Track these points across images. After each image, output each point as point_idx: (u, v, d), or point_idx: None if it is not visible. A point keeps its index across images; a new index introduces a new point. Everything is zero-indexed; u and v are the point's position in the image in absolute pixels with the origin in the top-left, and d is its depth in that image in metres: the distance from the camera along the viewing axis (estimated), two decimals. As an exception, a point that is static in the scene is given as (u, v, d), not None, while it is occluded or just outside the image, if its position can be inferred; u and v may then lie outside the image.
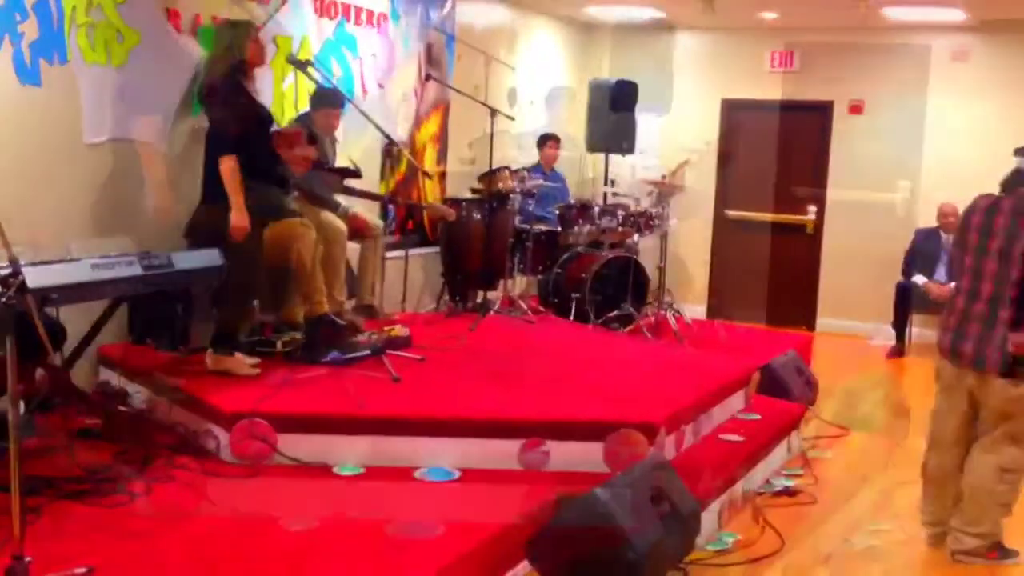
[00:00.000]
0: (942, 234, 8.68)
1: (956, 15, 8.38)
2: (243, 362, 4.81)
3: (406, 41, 7.60)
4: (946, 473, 4.31)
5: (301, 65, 5.52)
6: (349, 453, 4.16)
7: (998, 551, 4.21)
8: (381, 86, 7.38)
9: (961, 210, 8.07)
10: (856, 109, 9.45)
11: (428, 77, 7.51)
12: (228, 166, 4.72)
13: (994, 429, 4.13)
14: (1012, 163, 9.18)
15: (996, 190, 9.34)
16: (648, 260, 8.13)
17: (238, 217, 4.70)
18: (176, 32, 5.52)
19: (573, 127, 9.69)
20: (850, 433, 6.04)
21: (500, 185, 7.06)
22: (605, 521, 3.43)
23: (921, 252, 8.66)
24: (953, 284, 4.41)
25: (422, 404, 4.48)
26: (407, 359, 5.19)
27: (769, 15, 8.99)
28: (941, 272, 8.65)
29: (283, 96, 6.34)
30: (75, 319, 4.30)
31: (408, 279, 7.20)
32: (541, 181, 7.68)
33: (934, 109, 9.15)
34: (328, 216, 5.76)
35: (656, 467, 3.88)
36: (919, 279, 8.57)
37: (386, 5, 7.35)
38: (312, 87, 5.99)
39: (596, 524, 3.43)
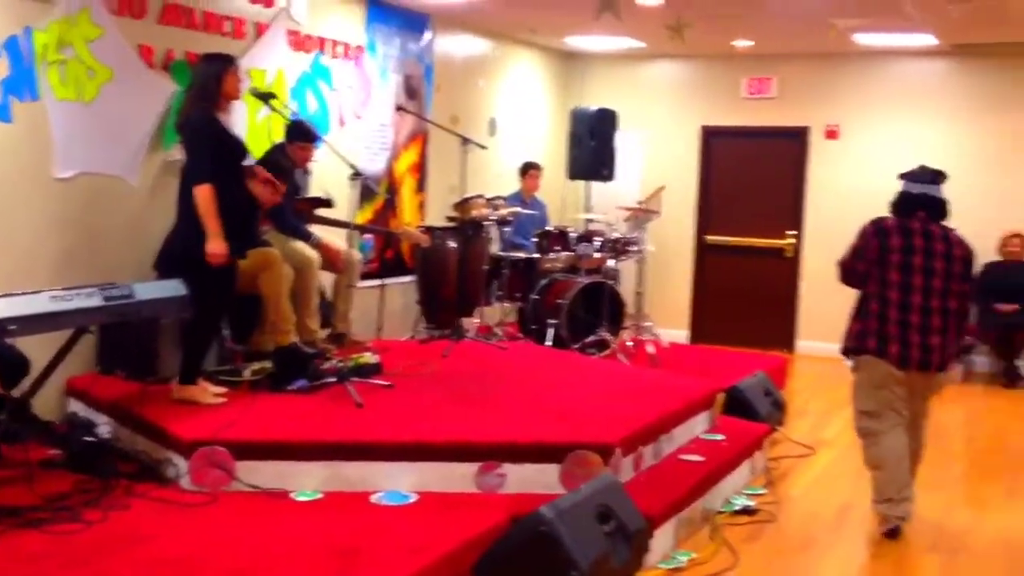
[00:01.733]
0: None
1: (928, 40, 8.50)
2: (208, 391, 4.89)
3: (384, 72, 7.74)
4: (900, 454, 4.77)
5: (264, 97, 5.63)
6: (307, 479, 4.23)
7: None
8: (358, 117, 7.51)
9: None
10: (832, 134, 9.57)
11: (400, 109, 7.63)
12: (204, 194, 4.79)
13: (925, 408, 4.88)
14: (983, 184, 9.37)
15: (974, 213, 9.54)
16: (628, 285, 8.23)
17: (215, 244, 4.77)
18: (148, 68, 5.66)
19: (555, 155, 9.82)
20: (816, 452, 6.11)
21: (474, 213, 7.16)
22: (548, 540, 3.49)
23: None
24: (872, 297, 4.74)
25: (382, 429, 4.55)
26: (375, 385, 5.27)
27: (743, 43, 9.12)
28: (916, 293, 8.71)
29: (258, 128, 6.47)
30: (42, 351, 4.38)
31: (386, 307, 7.30)
32: (517, 208, 7.78)
33: (908, 133, 9.27)
34: (299, 246, 5.86)
35: (604, 486, 3.95)
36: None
37: (363, 38, 7.50)
38: (287, 119, 6.11)
39: (539, 544, 3.50)
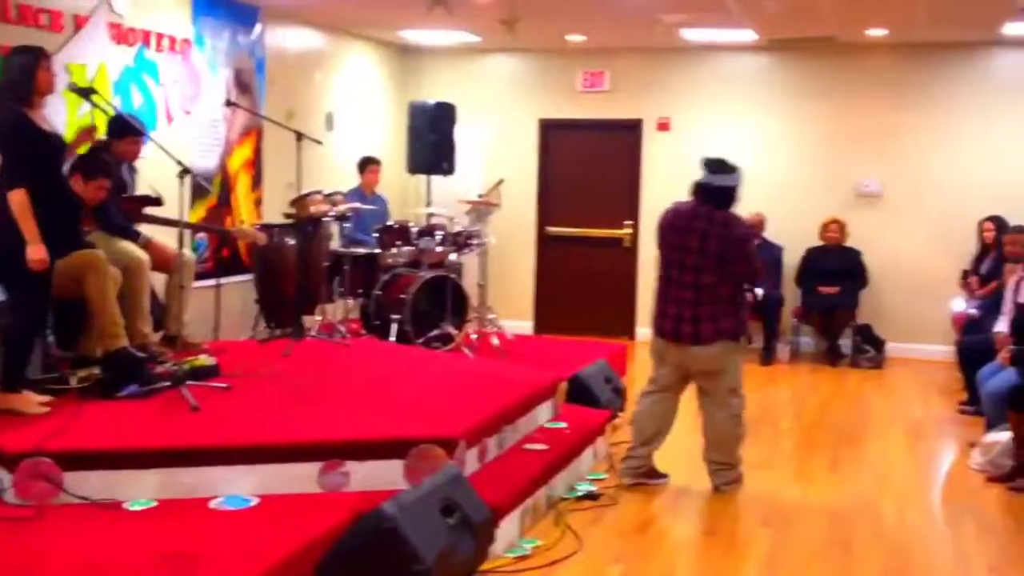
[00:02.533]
0: (746, 242, 9.14)
1: (749, 35, 8.86)
2: (32, 400, 4.65)
3: (213, 67, 7.53)
4: (649, 418, 5.32)
5: (83, 93, 5.39)
6: (141, 487, 4.07)
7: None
8: (187, 113, 7.29)
9: (766, 219, 8.68)
10: (664, 126, 9.87)
11: (229, 103, 7.44)
12: (18, 199, 4.57)
13: (711, 386, 5.20)
14: (804, 172, 9.83)
15: (796, 200, 9.98)
16: (471, 278, 8.27)
17: (35, 250, 4.56)
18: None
19: (394, 149, 9.77)
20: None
21: (312, 209, 7.05)
22: (391, 536, 3.48)
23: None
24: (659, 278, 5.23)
25: (219, 432, 4.43)
26: (212, 388, 5.12)
27: (576, 38, 9.29)
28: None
29: (79, 125, 6.19)
30: None
31: (223, 307, 7.11)
32: (357, 204, 7.70)
33: (734, 124, 9.64)
34: (127, 246, 5.64)
35: (447, 479, 3.96)
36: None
37: (190, 31, 7.28)
38: (110, 114, 5.87)
39: (382, 540, 3.48)
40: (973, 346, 7.13)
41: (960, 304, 8.34)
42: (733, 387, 5.23)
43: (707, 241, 4.98)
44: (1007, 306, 6.72)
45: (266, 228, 7.11)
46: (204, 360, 5.47)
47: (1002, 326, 6.62)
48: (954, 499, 5.46)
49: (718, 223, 5.01)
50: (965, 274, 8.60)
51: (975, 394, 6.72)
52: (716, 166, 5.09)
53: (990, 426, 6.00)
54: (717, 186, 5.06)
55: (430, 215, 8.37)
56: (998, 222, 8.30)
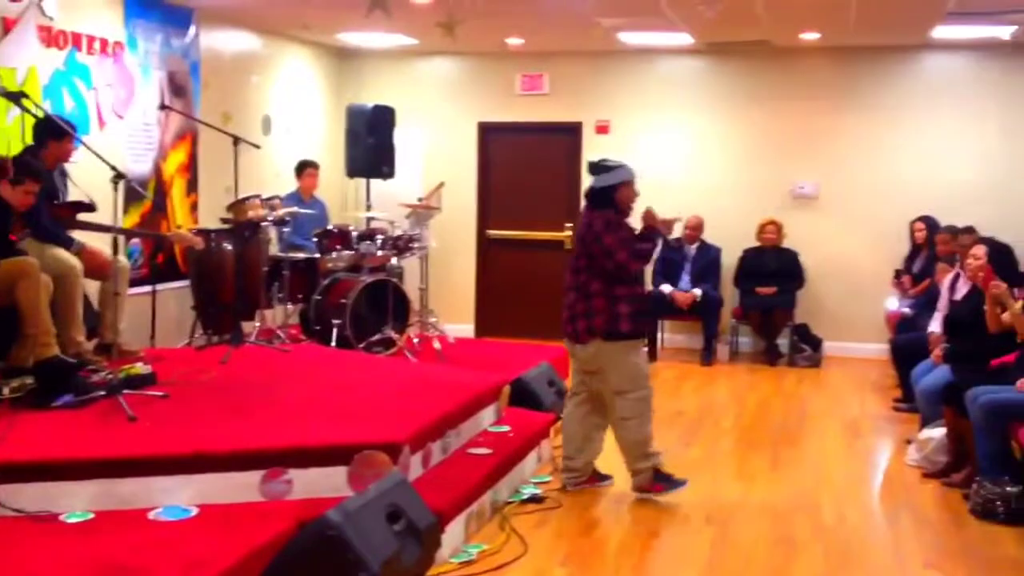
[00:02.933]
0: (685, 245, 9.24)
1: (685, 39, 8.94)
2: (-39, 412, 4.53)
3: (146, 70, 7.40)
4: (572, 421, 5.33)
5: (14, 97, 5.27)
6: (77, 499, 3.98)
7: (663, 483, 5.17)
8: (120, 117, 7.15)
9: (704, 222, 8.76)
10: (603, 129, 9.91)
11: (163, 107, 7.32)
12: None
13: (599, 387, 5.19)
14: (740, 174, 9.96)
15: (734, 202, 10.06)
16: (412, 282, 8.23)
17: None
18: None
19: (333, 153, 9.69)
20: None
21: (250, 214, 6.95)
22: (336, 544, 3.44)
23: (666, 262, 9.16)
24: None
25: (156, 441, 4.34)
26: (148, 397, 5.02)
27: (515, 41, 9.30)
28: (686, 280, 9.20)
29: (8, 130, 6.04)
30: None
31: (159, 314, 6.99)
32: (295, 208, 7.62)
33: (672, 128, 9.73)
34: (59, 253, 5.53)
35: (392, 485, 3.93)
36: (665, 288, 9.08)
37: (122, 33, 7.15)
38: (40, 117, 5.73)
39: (327, 548, 3.44)
40: (907, 344, 7.28)
41: (894, 303, 8.51)
42: (618, 389, 5.11)
43: (579, 243, 5.14)
44: (942, 302, 6.86)
45: (203, 233, 6.99)
46: (140, 368, 5.36)
47: (935, 325, 6.76)
48: (891, 495, 5.56)
49: (584, 222, 5.14)
50: (898, 273, 8.77)
51: (909, 391, 6.85)
52: (595, 168, 5.22)
53: (924, 423, 6.12)
54: (592, 188, 5.19)
55: (370, 219, 8.31)
56: (929, 222, 8.49)
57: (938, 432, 5.80)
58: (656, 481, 5.17)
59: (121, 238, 6.60)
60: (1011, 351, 5.51)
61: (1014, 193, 8.97)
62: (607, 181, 5.14)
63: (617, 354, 5.08)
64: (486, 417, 5.64)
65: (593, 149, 9.91)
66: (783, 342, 9.27)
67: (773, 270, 9.18)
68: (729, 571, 4.34)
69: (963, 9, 7.28)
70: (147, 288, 7.01)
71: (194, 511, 4.00)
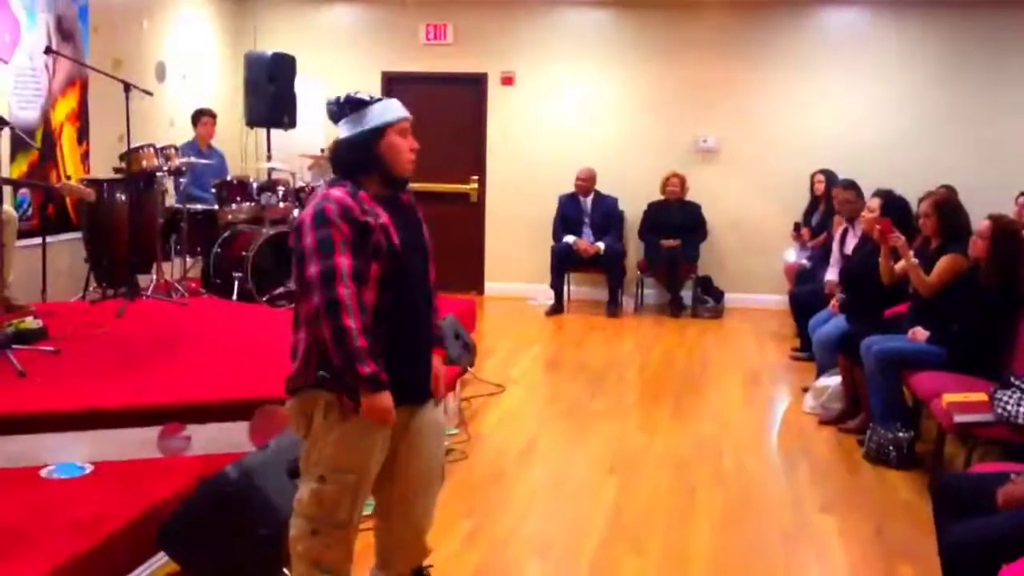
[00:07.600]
0: (580, 198, 9.28)
1: (592, -10, 8.91)
2: None
3: (31, 14, 7.05)
4: None
5: None
6: (-37, 458, 3.83)
7: None
8: (5, 62, 6.81)
9: (597, 174, 8.69)
10: (508, 81, 9.83)
11: (49, 51, 6.99)
12: None
13: None
14: (646, 128, 9.97)
15: (638, 155, 10.05)
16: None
17: None
18: None
19: (231, 102, 9.41)
20: (505, 390, 6.34)
21: (144, 164, 6.72)
22: (236, 500, 3.37)
23: (566, 215, 9.20)
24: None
25: (48, 398, 4.19)
26: (39, 352, 4.85)
27: (420, -12, 9.14)
28: (587, 232, 9.25)
29: None
30: None
31: (50, 267, 6.72)
32: (191, 159, 7.39)
33: (578, 80, 9.71)
34: (-60, 204, 5.26)
35: (294, 441, 3.85)
36: (569, 238, 9.11)
37: (5, -27, 6.78)
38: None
39: (227, 504, 3.37)
40: (804, 295, 7.45)
41: (792, 255, 8.68)
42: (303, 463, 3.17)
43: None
44: (835, 256, 7.03)
45: (94, 184, 6.73)
46: (30, 323, 5.19)
47: (831, 276, 6.93)
48: (789, 442, 5.70)
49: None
50: (797, 226, 8.95)
51: (807, 341, 7.02)
52: (339, 107, 3.13)
53: (821, 371, 6.28)
54: (337, 143, 3.14)
55: (271, 170, 8.12)
56: (828, 175, 8.65)
57: (834, 380, 5.96)
58: None
59: (8, 188, 6.32)
60: (904, 302, 5.68)
61: (913, 147, 9.20)
62: (360, 126, 3.03)
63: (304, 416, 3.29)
64: (391, 370, 5.57)
65: (498, 100, 9.87)
66: (687, 294, 9.39)
67: (677, 223, 9.27)
68: (632, 518, 4.40)
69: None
70: (37, 240, 6.72)
71: (89, 468, 3.89)
